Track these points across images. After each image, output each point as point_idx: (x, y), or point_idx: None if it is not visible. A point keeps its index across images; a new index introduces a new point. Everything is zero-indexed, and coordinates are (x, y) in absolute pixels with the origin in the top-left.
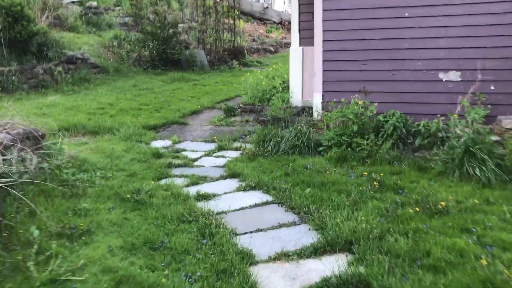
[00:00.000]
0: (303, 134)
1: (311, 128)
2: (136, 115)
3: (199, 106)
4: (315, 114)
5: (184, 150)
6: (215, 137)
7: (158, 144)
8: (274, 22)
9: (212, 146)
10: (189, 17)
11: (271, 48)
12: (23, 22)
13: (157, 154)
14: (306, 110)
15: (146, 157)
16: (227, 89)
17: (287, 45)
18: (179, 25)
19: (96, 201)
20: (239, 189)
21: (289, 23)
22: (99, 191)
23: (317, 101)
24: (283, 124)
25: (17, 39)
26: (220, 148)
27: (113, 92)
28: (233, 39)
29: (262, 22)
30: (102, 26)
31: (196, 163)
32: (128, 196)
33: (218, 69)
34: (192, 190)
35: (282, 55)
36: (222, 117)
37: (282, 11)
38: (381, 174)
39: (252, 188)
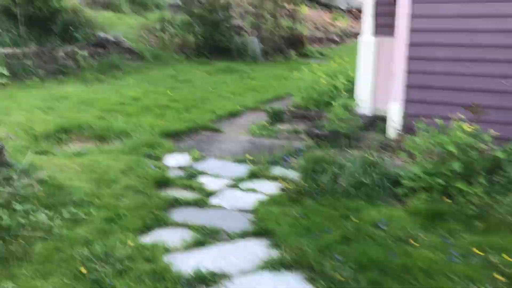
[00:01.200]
0: (373, 166)
1: (384, 152)
2: (159, 116)
3: (240, 107)
4: (390, 131)
5: (204, 174)
6: (249, 155)
7: (173, 161)
8: (341, 9)
9: (242, 169)
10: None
11: (336, 38)
12: None
13: (163, 181)
14: (377, 122)
15: (146, 184)
16: (279, 85)
17: (355, 35)
18: (233, 8)
19: (34, 275)
20: (266, 266)
21: (359, 10)
22: (49, 252)
23: (394, 113)
24: (345, 142)
25: (37, 16)
26: (253, 175)
27: (144, 83)
28: (292, 26)
29: (328, 9)
30: (149, 6)
31: (213, 199)
32: (85, 270)
33: (272, 60)
34: (190, 263)
35: (348, 46)
36: (265, 123)
37: None
38: (504, 255)
39: (288, 267)
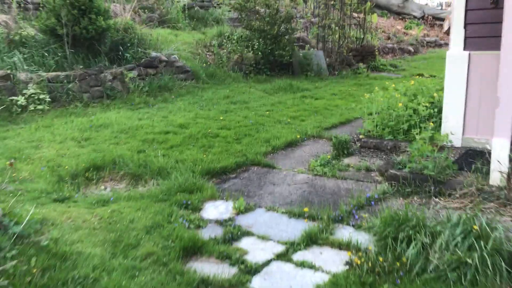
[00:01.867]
0: (480, 238)
1: (486, 204)
2: (206, 148)
3: (299, 135)
4: (493, 175)
5: (248, 234)
6: (307, 206)
7: (212, 211)
8: (414, 17)
9: (298, 228)
10: (309, 10)
11: (410, 48)
12: (91, 15)
13: (194, 246)
14: (473, 159)
15: (172, 252)
16: (346, 105)
17: (430, 44)
18: (296, 19)
19: None
20: None
21: (433, 18)
22: None
23: (499, 152)
24: (433, 188)
25: (84, 37)
26: (311, 239)
27: (195, 106)
28: (362, 37)
29: (400, 17)
30: (208, 21)
31: (256, 280)
32: None
33: (339, 75)
34: None
35: (424, 57)
36: (328, 157)
37: (426, 4)
38: None
39: None
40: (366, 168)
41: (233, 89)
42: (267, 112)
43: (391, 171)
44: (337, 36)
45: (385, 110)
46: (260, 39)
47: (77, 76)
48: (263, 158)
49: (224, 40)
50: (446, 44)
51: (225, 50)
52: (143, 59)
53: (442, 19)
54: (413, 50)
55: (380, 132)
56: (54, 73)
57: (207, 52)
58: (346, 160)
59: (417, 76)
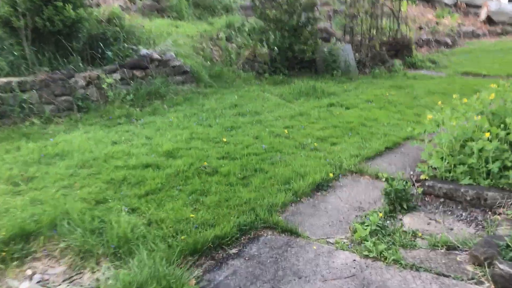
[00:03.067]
0: None
1: None
2: (197, 194)
3: (332, 169)
4: None
5: None
6: None
7: None
8: (446, 4)
9: None
10: None
11: (447, 40)
12: (58, 2)
13: None
14: None
15: None
16: (388, 119)
17: (467, 35)
18: (318, 7)
19: None
20: None
21: (467, 5)
22: None
23: None
24: None
25: (48, 30)
26: None
27: (193, 120)
28: (396, 29)
29: (430, 4)
30: (216, 10)
31: None
32: None
33: (371, 73)
34: None
35: (464, 50)
36: (380, 215)
37: None
38: None
39: None
40: (445, 243)
41: (242, 95)
42: (286, 131)
43: (501, 267)
44: (367, 27)
45: (458, 137)
46: (277, 31)
47: (36, 82)
48: (281, 216)
49: (234, 32)
50: (485, 35)
51: (234, 45)
52: (131, 58)
53: (478, 6)
54: (450, 42)
55: (452, 171)
56: (4, 79)
57: (214, 46)
58: (407, 220)
59: (464, 75)
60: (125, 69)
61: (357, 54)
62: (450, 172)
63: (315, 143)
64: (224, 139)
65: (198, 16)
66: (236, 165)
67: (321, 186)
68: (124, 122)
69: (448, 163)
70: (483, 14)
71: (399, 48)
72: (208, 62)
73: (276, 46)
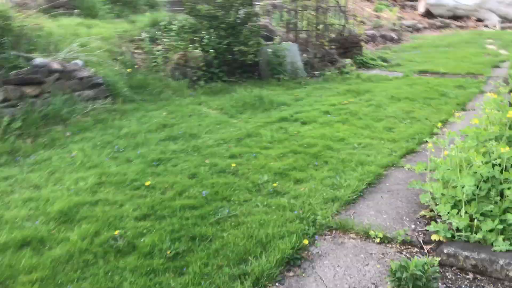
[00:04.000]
0: None
1: None
2: None
3: (304, 226)
4: None
5: None
6: None
7: None
8: None
9: None
10: None
11: (393, 35)
12: None
13: None
14: None
15: None
16: (356, 135)
17: (409, 29)
18: (257, 1)
19: None
20: None
21: None
22: None
23: None
24: None
25: None
26: None
27: (105, 153)
28: (343, 25)
29: None
30: (138, 6)
31: None
32: None
33: (321, 76)
34: None
35: (412, 46)
36: None
37: None
38: None
39: None
40: None
41: (173, 110)
42: (233, 163)
43: None
44: (313, 23)
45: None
46: (212, 30)
47: None
48: None
49: (160, 32)
50: (426, 28)
51: (161, 47)
52: (19, 71)
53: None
54: (396, 37)
55: (475, 227)
56: None
57: (136, 50)
58: None
59: (422, 75)
60: (9, 86)
61: (304, 54)
62: (472, 231)
63: (274, 183)
64: (148, 182)
65: (116, 14)
66: (164, 232)
67: (293, 261)
68: (4, 163)
69: (455, 208)
70: (421, 7)
71: (348, 46)
72: (129, 70)
73: (212, 48)
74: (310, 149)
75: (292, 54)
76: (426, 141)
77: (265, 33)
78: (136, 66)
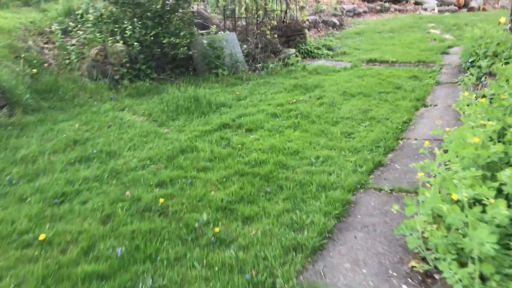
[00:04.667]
0: None
1: None
2: None
3: None
4: None
5: None
6: None
7: None
8: None
9: None
10: None
11: (335, 20)
12: None
13: None
14: None
15: None
16: (312, 145)
17: (349, 13)
18: None
19: None
20: None
21: None
22: None
23: None
24: None
25: None
26: None
27: None
28: (284, 10)
29: None
30: None
31: None
32: None
33: (264, 69)
34: None
35: (356, 32)
36: None
37: None
38: None
39: None
40: None
41: (89, 120)
42: (161, 198)
43: None
44: (252, 8)
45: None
46: (136, 19)
47: None
48: None
49: (74, 24)
50: (366, 12)
51: (75, 41)
52: None
53: None
54: (338, 23)
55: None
56: None
57: (45, 45)
58: None
59: (371, 64)
60: None
61: (244, 45)
62: None
63: (216, 226)
64: (43, 235)
65: (24, 1)
66: None
67: None
68: None
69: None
70: None
71: (291, 34)
72: (34, 70)
73: (137, 40)
74: (259, 168)
75: (231, 45)
76: (393, 149)
77: (199, 21)
78: (45, 65)
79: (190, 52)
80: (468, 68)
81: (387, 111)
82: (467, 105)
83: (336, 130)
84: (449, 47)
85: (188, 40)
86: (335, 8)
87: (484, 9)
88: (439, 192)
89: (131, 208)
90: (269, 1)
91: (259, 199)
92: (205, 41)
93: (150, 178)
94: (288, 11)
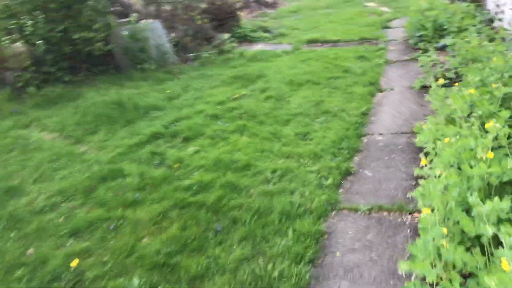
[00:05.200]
0: None
1: None
2: None
3: None
4: None
5: None
6: None
7: None
8: None
9: None
10: None
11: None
12: None
13: None
14: None
15: None
16: (264, 153)
17: None
18: None
19: None
20: None
21: None
22: None
23: None
24: None
25: None
26: None
27: None
28: None
29: None
30: None
31: None
32: None
33: (196, 60)
34: None
35: (291, 10)
36: None
37: None
38: None
39: None
40: None
41: None
42: (75, 257)
43: None
44: None
45: None
46: (37, 13)
47: None
48: None
49: None
50: None
51: None
52: None
53: None
54: (271, 1)
55: None
56: None
57: None
58: None
59: (312, 45)
60: None
61: (172, 33)
62: None
63: None
64: None
65: None
66: None
67: None
68: None
69: None
70: None
71: (223, 17)
72: None
73: (41, 38)
74: (204, 195)
75: (157, 34)
76: (358, 150)
77: (118, 8)
78: None
79: (109, 47)
80: (416, 43)
81: (342, 101)
82: (447, 97)
83: (289, 131)
84: (389, 20)
85: (105, 33)
86: None
87: None
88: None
89: (33, 279)
90: None
91: (208, 243)
92: (126, 32)
93: (61, 225)
94: None
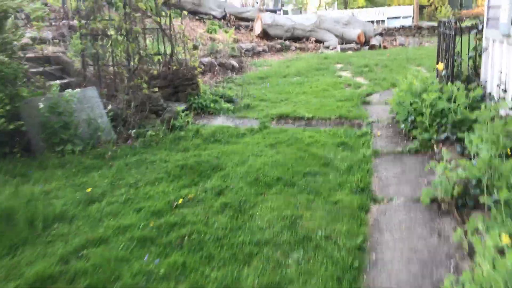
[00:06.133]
0: None
1: None
2: None
3: None
4: None
5: None
6: None
7: None
8: (214, 17)
9: None
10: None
11: (233, 62)
12: None
13: None
14: None
15: None
16: None
17: (248, 53)
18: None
19: None
20: None
21: (237, 18)
22: None
23: None
24: None
25: None
26: None
27: None
28: (169, 53)
29: (197, 17)
30: None
31: None
32: None
33: (140, 138)
34: None
35: (258, 76)
36: None
37: (225, 1)
38: None
39: None
40: None
41: None
42: None
43: None
44: (123, 52)
45: None
46: None
47: None
48: None
49: None
50: (265, 52)
51: None
52: None
53: (247, 20)
54: (237, 66)
55: None
56: None
57: None
58: None
59: (283, 123)
60: None
61: (110, 104)
62: None
63: None
64: None
65: None
66: None
67: None
68: None
69: None
70: (258, 28)
71: (180, 84)
72: None
73: None
74: None
75: (89, 105)
76: None
77: (58, 66)
78: None
79: (17, 124)
80: (409, 130)
81: (325, 219)
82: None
83: (250, 281)
84: (368, 94)
85: (10, 106)
86: (233, 48)
87: (384, 47)
88: None
89: None
90: (151, 42)
91: None
92: (43, 104)
93: None
94: (175, 54)
